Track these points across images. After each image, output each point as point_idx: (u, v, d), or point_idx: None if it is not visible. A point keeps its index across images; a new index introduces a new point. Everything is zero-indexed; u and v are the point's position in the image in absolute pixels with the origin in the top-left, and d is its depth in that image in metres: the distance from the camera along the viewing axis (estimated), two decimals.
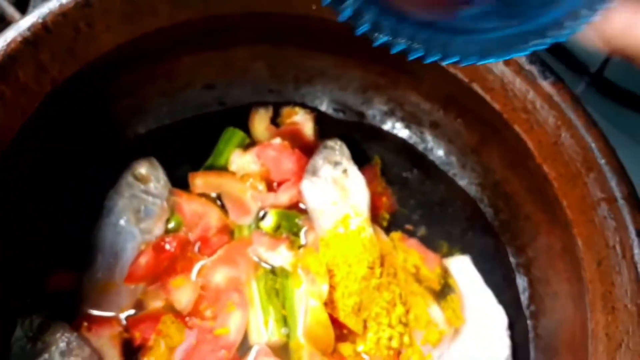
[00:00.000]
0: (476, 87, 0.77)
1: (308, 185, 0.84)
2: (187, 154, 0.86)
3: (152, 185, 0.81)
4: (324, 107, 0.93)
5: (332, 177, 0.84)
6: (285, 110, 0.92)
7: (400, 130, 0.93)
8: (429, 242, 0.86)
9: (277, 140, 0.86)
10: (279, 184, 0.86)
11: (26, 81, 0.66)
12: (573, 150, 0.70)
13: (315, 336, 0.75)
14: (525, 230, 0.83)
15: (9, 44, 0.64)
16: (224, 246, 0.80)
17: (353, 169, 0.86)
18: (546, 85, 0.71)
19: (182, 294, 0.77)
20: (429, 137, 0.92)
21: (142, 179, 0.81)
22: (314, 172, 0.85)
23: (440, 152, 0.91)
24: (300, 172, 0.86)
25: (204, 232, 0.81)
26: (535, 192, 0.79)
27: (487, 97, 0.76)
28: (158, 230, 0.80)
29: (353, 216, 0.81)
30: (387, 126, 0.93)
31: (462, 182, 0.90)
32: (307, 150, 0.89)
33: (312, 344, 0.75)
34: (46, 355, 0.66)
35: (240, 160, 0.85)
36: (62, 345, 0.67)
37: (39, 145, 0.72)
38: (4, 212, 0.69)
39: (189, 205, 0.81)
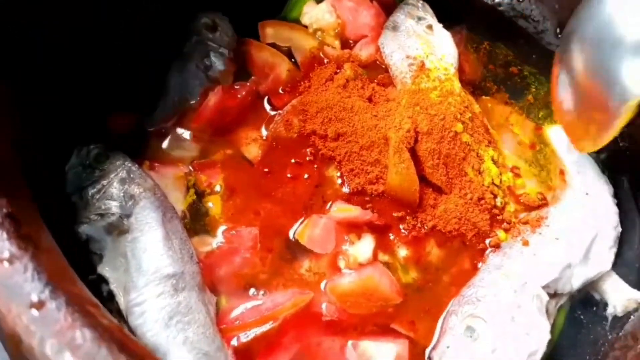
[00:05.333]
0: None
1: (388, 39, 0.76)
2: (258, 9, 0.78)
3: (218, 35, 0.75)
4: None
5: (415, 31, 0.76)
6: None
7: None
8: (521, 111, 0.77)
9: None
10: (355, 42, 0.78)
11: None
12: None
13: (398, 187, 0.67)
14: None
15: None
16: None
17: (438, 25, 0.77)
18: None
19: (253, 143, 0.70)
20: (521, 3, 0.82)
21: (208, 28, 0.75)
22: (395, 28, 0.77)
23: (532, 19, 0.82)
24: (379, 29, 0.78)
25: (274, 84, 0.74)
26: None
27: None
28: (226, 82, 0.73)
29: (439, 69, 0.73)
30: None
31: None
32: (385, 9, 0.81)
33: (395, 195, 0.67)
34: (104, 182, 0.60)
35: (314, 11, 0.77)
36: (123, 173, 0.61)
37: None
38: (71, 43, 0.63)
39: (259, 54, 0.74)
